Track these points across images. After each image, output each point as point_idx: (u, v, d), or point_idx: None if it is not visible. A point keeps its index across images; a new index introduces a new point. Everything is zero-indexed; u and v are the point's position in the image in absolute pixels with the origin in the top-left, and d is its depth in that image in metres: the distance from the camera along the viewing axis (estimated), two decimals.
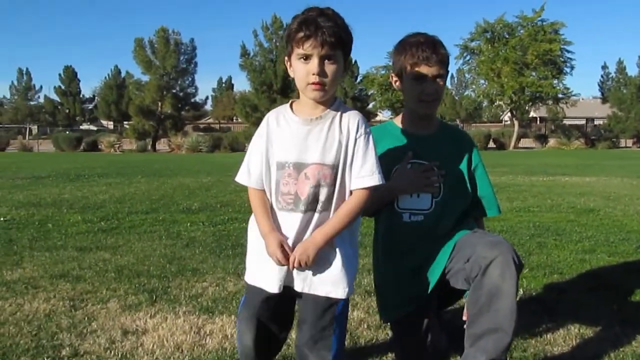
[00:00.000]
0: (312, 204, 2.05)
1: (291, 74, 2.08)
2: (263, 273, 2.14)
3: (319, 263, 2.05)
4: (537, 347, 2.86)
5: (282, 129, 2.10)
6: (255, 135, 2.16)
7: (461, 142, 2.65)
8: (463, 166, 2.57)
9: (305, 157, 2.05)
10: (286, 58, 2.09)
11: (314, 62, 1.98)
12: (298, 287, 2.11)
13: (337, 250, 2.08)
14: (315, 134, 2.06)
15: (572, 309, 3.40)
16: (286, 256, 2.04)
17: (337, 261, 2.08)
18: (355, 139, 2.05)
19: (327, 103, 2.08)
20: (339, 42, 1.98)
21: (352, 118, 2.07)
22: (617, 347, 2.84)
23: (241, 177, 2.16)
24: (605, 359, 2.74)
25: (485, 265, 2.13)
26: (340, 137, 2.05)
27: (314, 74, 1.98)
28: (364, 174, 2.04)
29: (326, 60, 1.99)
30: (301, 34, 1.97)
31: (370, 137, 2.08)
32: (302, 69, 2.01)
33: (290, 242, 2.07)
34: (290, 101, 2.17)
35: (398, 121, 2.65)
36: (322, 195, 2.05)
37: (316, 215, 2.06)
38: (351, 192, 2.07)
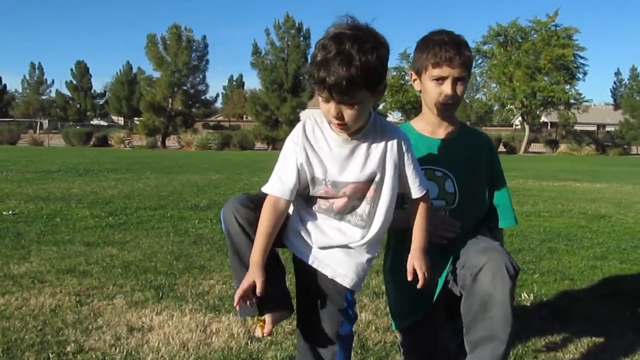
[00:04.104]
0: (352, 216, 2.01)
1: None
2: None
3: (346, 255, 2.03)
4: (549, 354, 2.81)
5: (319, 144, 1.98)
6: (289, 142, 2.01)
7: (481, 147, 2.54)
8: (480, 173, 2.48)
9: (345, 177, 1.97)
10: None
11: (332, 106, 1.83)
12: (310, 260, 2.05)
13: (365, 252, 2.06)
14: (356, 154, 1.97)
15: (583, 316, 3.35)
16: (245, 297, 1.94)
17: (357, 258, 2.05)
18: (398, 159, 2.01)
19: (362, 125, 1.97)
20: (356, 87, 1.78)
21: (392, 136, 2.00)
22: (631, 355, 2.79)
23: (274, 188, 1.98)
24: None
25: (475, 273, 2.07)
26: (380, 157, 1.98)
27: (333, 117, 1.86)
28: (419, 184, 2.06)
29: (344, 105, 1.83)
30: (314, 78, 1.83)
31: (411, 149, 2.06)
32: (324, 107, 1.89)
33: (323, 231, 2.03)
34: None
35: (416, 123, 2.52)
36: (361, 209, 2.00)
37: (359, 231, 2.01)
38: (414, 202, 2.09)
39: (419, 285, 2.04)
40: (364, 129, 1.98)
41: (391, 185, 2.00)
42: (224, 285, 3.87)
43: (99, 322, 3.14)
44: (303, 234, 2.05)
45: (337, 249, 2.03)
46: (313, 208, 2.04)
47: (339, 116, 1.85)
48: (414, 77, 2.44)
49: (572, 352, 2.84)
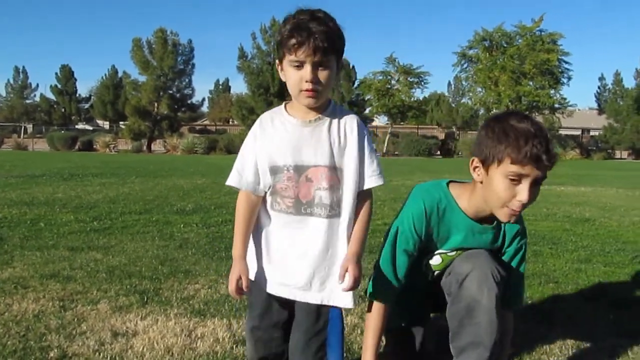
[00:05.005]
0: (317, 207, 2.01)
1: (282, 78, 2.01)
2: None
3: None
4: (533, 356, 2.82)
5: (277, 131, 2.04)
6: (249, 136, 2.09)
7: (517, 238, 2.31)
8: (507, 259, 2.33)
9: (306, 159, 1.99)
10: (277, 61, 2.02)
11: (307, 70, 1.90)
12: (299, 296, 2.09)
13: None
14: (315, 136, 2.00)
15: (568, 319, 3.37)
16: (239, 291, 2.02)
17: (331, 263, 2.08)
18: (358, 142, 2.01)
19: (322, 107, 2.03)
20: (332, 48, 1.91)
21: (350, 121, 2.04)
22: (614, 357, 2.81)
23: (232, 180, 2.10)
24: None
25: (461, 280, 2.09)
26: (340, 140, 2.00)
27: (307, 81, 1.91)
28: (372, 174, 2.03)
29: (319, 67, 1.91)
30: (293, 41, 1.88)
31: (369, 136, 2.06)
32: (295, 76, 1.93)
33: (292, 245, 2.05)
34: (283, 103, 2.10)
35: (459, 198, 2.22)
36: (326, 199, 2.00)
37: (325, 221, 2.02)
38: (361, 193, 2.05)
39: (343, 289, 2.01)
40: (324, 112, 2.02)
41: (354, 169, 2.00)
42: (209, 290, 3.85)
43: (83, 327, 3.11)
44: (269, 266, 2.12)
45: (307, 274, 2.06)
46: (281, 210, 2.06)
47: (315, 79, 1.91)
48: (476, 164, 2.09)
49: (556, 354, 2.86)
